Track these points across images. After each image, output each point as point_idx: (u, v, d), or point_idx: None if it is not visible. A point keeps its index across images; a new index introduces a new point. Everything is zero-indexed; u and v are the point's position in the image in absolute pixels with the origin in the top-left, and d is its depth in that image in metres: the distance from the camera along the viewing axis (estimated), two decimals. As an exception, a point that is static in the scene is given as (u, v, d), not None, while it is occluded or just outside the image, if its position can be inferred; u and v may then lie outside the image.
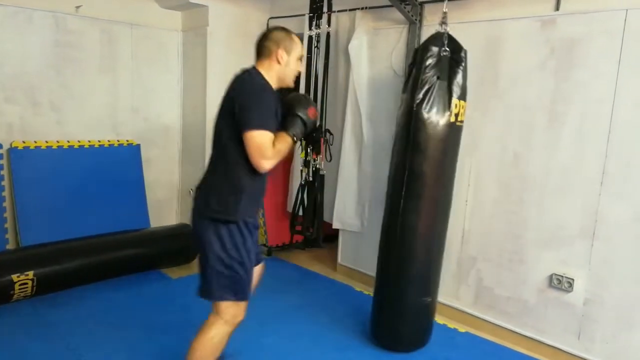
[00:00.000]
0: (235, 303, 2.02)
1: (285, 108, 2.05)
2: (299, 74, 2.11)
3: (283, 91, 2.11)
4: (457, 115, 2.64)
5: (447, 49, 2.61)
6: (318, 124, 1.98)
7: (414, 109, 2.61)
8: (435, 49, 2.60)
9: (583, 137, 2.71)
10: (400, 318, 2.80)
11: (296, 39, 2.06)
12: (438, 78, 2.59)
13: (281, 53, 2.00)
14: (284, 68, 2.02)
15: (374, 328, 2.95)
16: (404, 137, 2.69)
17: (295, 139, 1.99)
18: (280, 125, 2.00)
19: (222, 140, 1.98)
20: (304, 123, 2.02)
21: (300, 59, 2.09)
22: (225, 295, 2.00)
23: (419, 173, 2.66)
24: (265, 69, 2.02)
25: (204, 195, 2.02)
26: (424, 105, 2.59)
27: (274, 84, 2.02)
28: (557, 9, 2.75)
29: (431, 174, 2.67)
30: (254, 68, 2.04)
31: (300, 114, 2.01)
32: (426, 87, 2.59)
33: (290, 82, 2.08)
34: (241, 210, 1.98)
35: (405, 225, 2.71)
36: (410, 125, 2.63)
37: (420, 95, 2.59)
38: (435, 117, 2.60)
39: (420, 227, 2.72)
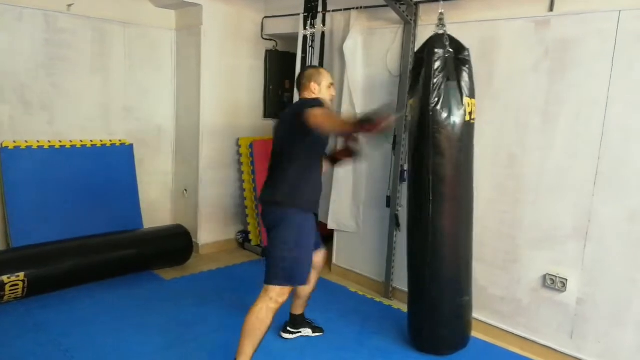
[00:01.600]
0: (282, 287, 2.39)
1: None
2: (333, 97, 2.66)
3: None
4: (470, 113, 2.67)
5: (451, 49, 2.62)
6: (389, 130, 2.14)
7: (430, 112, 2.61)
8: (440, 51, 2.61)
9: (577, 138, 2.72)
10: (440, 321, 2.81)
11: (323, 72, 2.63)
12: (448, 79, 2.61)
13: (313, 85, 2.56)
14: (318, 96, 2.55)
15: (413, 334, 2.95)
16: (423, 141, 2.68)
17: (358, 123, 2.04)
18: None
19: (286, 148, 2.45)
20: (369, 120, 2.01)
21: (330, 86, 2.60)
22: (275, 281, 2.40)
23: (442, 175, 2.67)
24: (306, 98, 2.58)
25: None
26: (439, 107, 2.60)
27: None
28: (551, 10, 2.76)
29: (454, 174, 2.70)
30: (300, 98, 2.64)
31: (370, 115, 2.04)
32: (438, 89, 2.60)
33: (328, 102, 2.59)
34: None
35: (436, 230, 2.71)
36: (428, 128, 2.63)
37: (435, 98, 2.60)
38: (452, 117, 2.61)
39: (449, 229, 2.73)
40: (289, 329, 2.98)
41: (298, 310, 2.96)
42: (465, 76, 2.65)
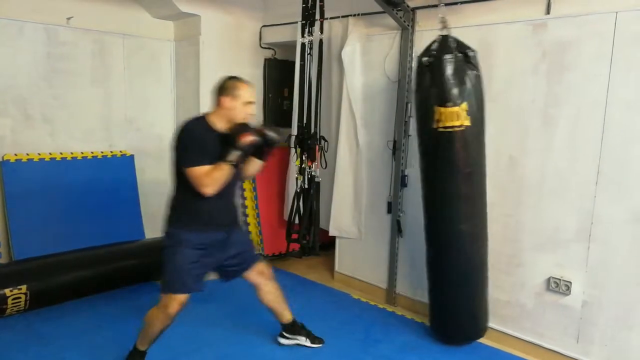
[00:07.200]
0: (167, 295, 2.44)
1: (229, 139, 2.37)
2: (248, 116, 2.42)
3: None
4: (438, 121, 2.67)
5: (460, 53, 2.63)
6: (255, 142, 2.38)
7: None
8: (449, 56, 2.61)
9: (577, 139, 2.71)
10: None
11: (242, 88, 2.39)
12: (417, 88, 2.66)
13: (223, 100, 2.37)
14: (229, 111, 2.38)
15: (436, 325, 3.11)
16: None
17: (232, 163, 2.33)
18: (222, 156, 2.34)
19: (176, 174, 2.49)
20: (239, 149, 2.33)
21: (248, 104, 2.40)
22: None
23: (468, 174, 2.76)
24: (215, 112, 2.42)
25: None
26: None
27: (223, 123, 2.39)
28: (548, 12, 2.77)
29: (476, 175, 2.79)
30: (201, 115, 2.46)
31: (233, 143, 2.32)
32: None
33: (239, 120, 2.39)
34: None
35: (463, 231, 2.80)
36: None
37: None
38: (419, 125, 2.69)
39: (472, 230, 2.83)
40: (284, 334, 2.94)
41: (282, 318, 2.89)
42: (439, 84, 2.65)
